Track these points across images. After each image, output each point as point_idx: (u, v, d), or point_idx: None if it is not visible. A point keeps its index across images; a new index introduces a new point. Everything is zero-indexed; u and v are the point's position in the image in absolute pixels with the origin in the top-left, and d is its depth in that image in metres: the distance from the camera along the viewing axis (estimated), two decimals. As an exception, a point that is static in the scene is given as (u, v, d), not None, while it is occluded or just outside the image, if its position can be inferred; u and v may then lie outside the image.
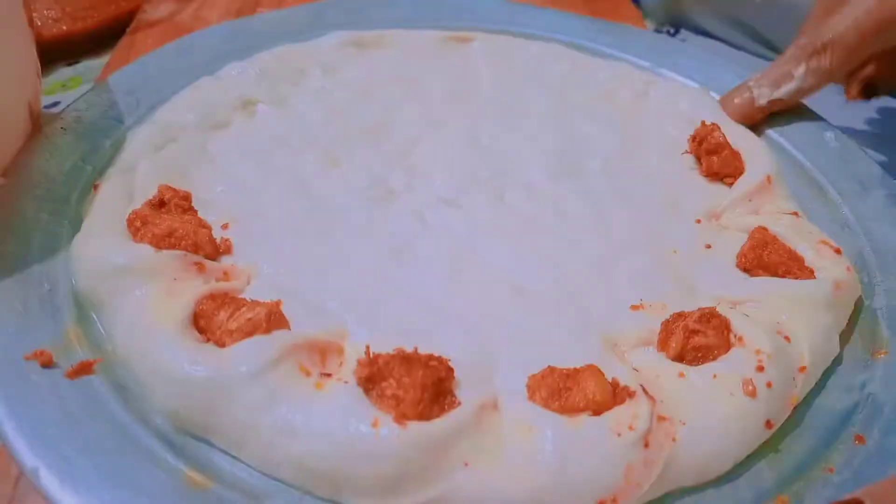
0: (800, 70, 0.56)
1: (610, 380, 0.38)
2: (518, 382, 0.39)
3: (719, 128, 0.56)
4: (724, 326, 0.42)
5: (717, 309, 0.43)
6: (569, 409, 0.37)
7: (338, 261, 0.45)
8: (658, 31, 0.83)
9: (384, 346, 0.38)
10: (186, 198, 0.47)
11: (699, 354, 0.41)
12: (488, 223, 0.50)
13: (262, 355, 0.36)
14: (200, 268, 0.42)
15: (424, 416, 0.35)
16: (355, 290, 0.44)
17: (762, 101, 0.58)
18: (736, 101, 0.59)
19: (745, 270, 0.47)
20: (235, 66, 0.59)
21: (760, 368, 0.39)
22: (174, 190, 0.46)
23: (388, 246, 0.47)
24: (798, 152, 0.59)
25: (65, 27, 0.71)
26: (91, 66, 0.72)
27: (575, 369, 0.39)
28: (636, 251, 0.49)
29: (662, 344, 0.42)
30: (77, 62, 0.72)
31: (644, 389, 0.38)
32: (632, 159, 0.57)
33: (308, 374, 0.37)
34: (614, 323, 0.44)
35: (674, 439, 0.37)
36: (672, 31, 0.83)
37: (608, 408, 0.37)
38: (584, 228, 0.50)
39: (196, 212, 0.46)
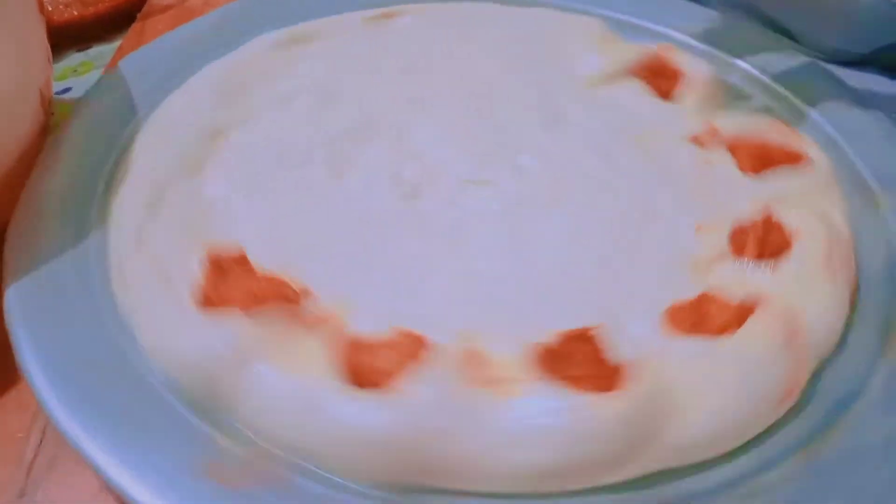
0: None
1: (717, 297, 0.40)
2: (646, 328, 0.40)
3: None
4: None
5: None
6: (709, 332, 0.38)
7: (404, 270, 0.43)
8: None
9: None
10: (242, 258, 0.41)
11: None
12: (523, 194, 0.49)
13: (440, 389, 0.35)
14: (300, 316, 0.38)
15: (606, 388, 0.35)
16: (434, 294, 0.42)
17: None
18: None
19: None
20: (178, 99, 0.53)
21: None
22: (221, 251, 0.41)
23: (439, 241, 0.45)
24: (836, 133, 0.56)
25: (76, 12, 0.71)
26: (102, 51, 0.71)
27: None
28: (659, 185, 0.49)
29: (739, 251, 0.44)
30: (88, 47, 0.72)
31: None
32: (601, 96, 0.57)
33: (489, 384, 0.35)
34: (691, 248, 0.45)
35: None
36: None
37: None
38: (605, 177, 0.50)
39: (251, 264, 0.41)
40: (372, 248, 0.45)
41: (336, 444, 0.34)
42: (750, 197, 0.47)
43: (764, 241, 0.43)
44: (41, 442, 0.40)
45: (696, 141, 0.54)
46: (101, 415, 0.35)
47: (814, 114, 0.57)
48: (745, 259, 0.43)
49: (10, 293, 0.41)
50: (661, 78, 0.58)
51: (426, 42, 0.62)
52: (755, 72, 0.62)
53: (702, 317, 0.39)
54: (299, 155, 0.50)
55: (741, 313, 0.39)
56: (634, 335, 0.39)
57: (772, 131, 0.53)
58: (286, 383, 0.35)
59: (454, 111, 0.55)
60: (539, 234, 0.46)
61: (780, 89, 0.60)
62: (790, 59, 0.62)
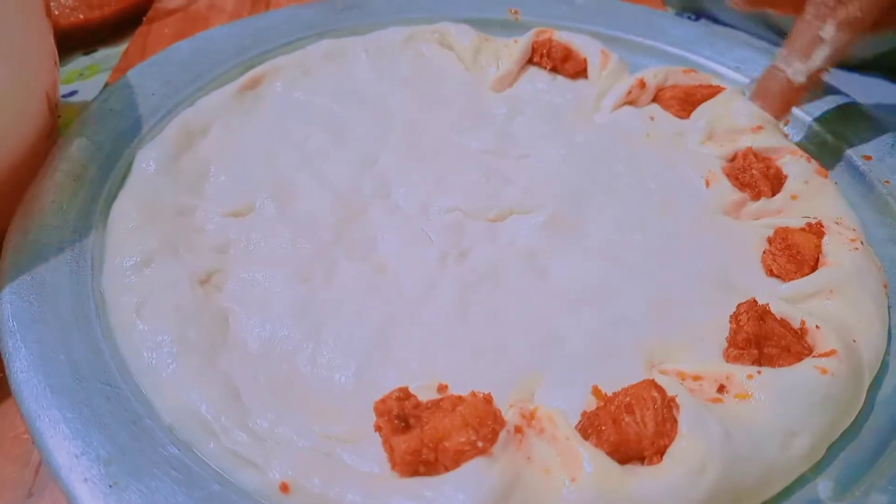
0: (828, 29, 0.49)
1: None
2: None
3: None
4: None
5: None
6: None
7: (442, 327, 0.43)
8: (679, 16, 0.81)
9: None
10: (406, 392, 0.37)
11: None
12: (506, 219, 0.50)
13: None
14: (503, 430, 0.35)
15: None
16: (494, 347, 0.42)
17: (800, 79, 0.52)
18: (772, 89, 0.54)
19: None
20: (144, 160, 0.50)
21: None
22: (390, 401, 0.36)
23: (458, 280, 0.45)
24: (856, 156, 0.55)
25: (82, 16, 0.71)
26: (108, 54, 0.72)
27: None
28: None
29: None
30: (94, 51, 0.72)
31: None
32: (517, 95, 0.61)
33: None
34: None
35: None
36: (693, 17, 0.81)
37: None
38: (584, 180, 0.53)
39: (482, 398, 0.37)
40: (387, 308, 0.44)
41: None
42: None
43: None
44: (39, 466, 0.40)
45: (630, 101, 0.59)
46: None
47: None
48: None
49: (6, 298, 0.41)
50: (565, 62, 0.62)
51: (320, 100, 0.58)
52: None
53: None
54: (290, 238, 0.47)
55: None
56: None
57: (686, 77, 0.60)
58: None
59: (404, 147, 0.54)
60: (557, 271, 0.46)
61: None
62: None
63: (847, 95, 0.59)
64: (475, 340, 0.42)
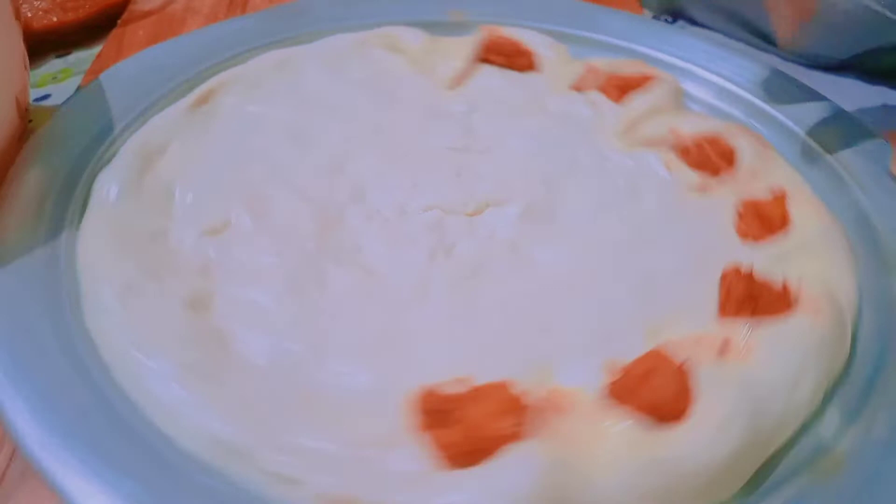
0: None
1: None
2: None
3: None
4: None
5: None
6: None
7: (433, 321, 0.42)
8: (656, 19, 0.83)
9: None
10: (433, 388, 0.37)
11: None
12: (480, 215, 0.50)
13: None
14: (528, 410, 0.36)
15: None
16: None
17: None
18: None
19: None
20: (104, 186, 0.48)
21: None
22: (420, 398, 0.36)
23: (451, 283, 0.45)
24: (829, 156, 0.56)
25: (55, 18, 0.70)
26: (82, 57, 0.70)
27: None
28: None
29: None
30: (68, 53, 0.71)
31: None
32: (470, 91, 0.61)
33: None
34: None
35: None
36: (670, 20, 0.83)
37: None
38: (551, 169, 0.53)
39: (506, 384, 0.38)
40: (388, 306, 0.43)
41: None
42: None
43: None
44: (14, 453, 0.38)
45: (577, 87, 0.61)
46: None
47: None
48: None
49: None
50: (515, 57, 0.63)
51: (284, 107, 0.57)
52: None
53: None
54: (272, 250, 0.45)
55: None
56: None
57: (628, 66, 0.61)
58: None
59: (371, 146, 0.54)
60: (537, 261, 0.46)
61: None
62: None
63: (824, 97, 0.60)
64: (480, 333, 0.42)
